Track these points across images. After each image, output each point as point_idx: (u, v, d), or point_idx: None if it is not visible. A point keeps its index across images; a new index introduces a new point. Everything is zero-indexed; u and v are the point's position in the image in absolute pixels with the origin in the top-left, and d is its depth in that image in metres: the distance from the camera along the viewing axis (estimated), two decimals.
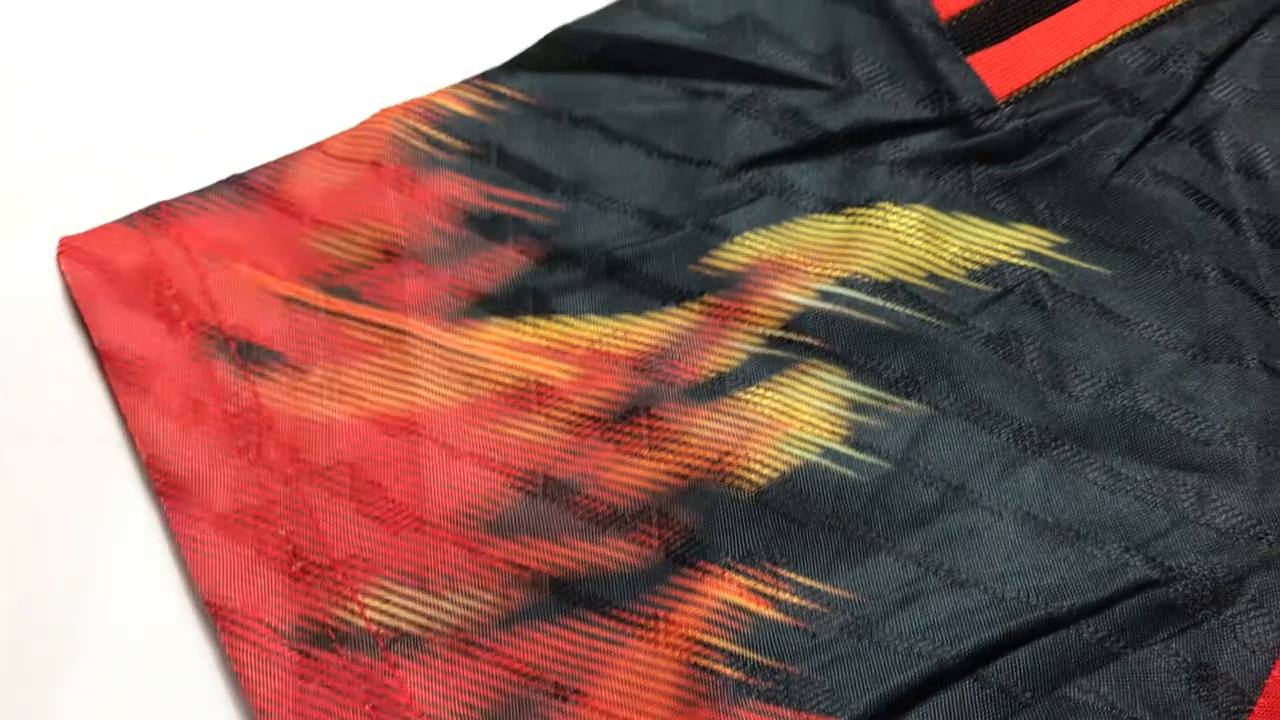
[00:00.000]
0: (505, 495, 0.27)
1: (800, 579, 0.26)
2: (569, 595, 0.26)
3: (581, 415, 0.28)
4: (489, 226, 0.30)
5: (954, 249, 0.29)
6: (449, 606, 0.26)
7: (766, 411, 0.27)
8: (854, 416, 0.27)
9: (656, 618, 0.25)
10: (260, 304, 0.29)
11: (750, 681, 0.25)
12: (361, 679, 0.25)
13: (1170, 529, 0.26)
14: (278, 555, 0.26)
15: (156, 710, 0.26)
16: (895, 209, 0.29)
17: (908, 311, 0.28)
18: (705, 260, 0.29)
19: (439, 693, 0.25)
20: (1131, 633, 0.25)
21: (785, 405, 0.27)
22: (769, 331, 0.28)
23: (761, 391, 0.27)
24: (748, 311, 0.28)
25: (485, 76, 0.31)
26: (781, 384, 0.28)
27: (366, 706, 0.25)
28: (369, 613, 0.26)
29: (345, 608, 0.26)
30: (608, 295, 0.29)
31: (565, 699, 0.25)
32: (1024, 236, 0.29)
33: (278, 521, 0.27)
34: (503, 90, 0.31)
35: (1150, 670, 0.24)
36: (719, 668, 0.25)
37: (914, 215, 0.29)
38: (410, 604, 0.26)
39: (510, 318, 0.29)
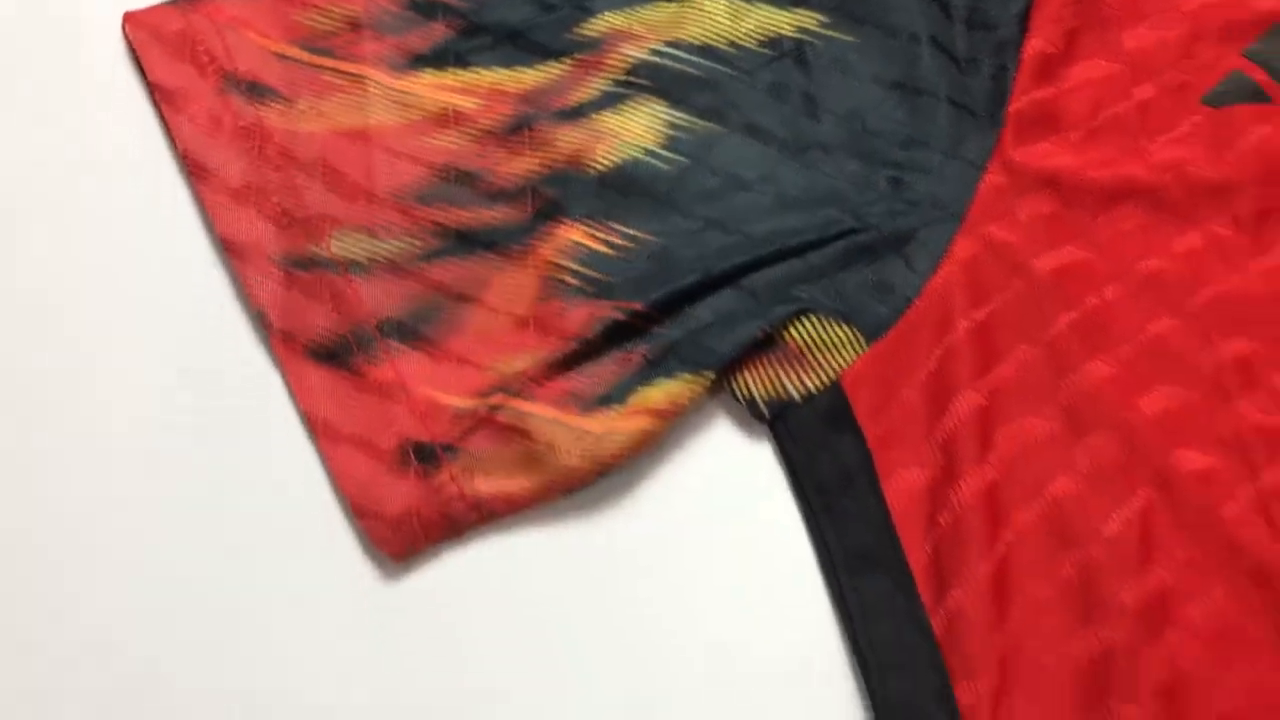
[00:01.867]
0: (429, 180, 0.39)
1: (622, 228, 0.38)
2: (470, 240, 0.38)
3: (484, 131, 0.40)
4: (425, 8, 0.42)
5: (749, 25, 0.41)
6: (387, 246, 0.38)
7: (611, 127, 0.40)
8: (669, 131, 0.40)
9: (526, 250, 0.38)
10: (263, 58, 0.41)
11: (584, 287, 0.37)
12: (327, 287, 0.38)
13: (874, 201, 0.38)
14: (272, 213, 0.39)
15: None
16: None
17: (713, 65, 0.40)
18: (576, 30, 0.41)
19: (379, 298, 0.38)
20: (839, 261, 0.37)
21: (623, 123, 0.40)
22: (617, 77, 0.40)
23: (609, 115, 0.40)
24: (603, 64, 0.41)
25: None
26: (622, 110, 0.40)
27: (329, 305, 0.38)
28: (333, 248, 0.38)
29: (317, 245, 0.38)
30: (507, 54, 0.41)
31: (465, 301, 0.38)
32: (799, 17, 0.41)
33: (273, 193, 0.39)
34: None
35: (848, 283, 0.37)
36: (565, 278, 0.37)
37: (723, 3, 0.41)
38: (361, 244, 0.38)
39: (437, 69, 0.41)
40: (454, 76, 0.41)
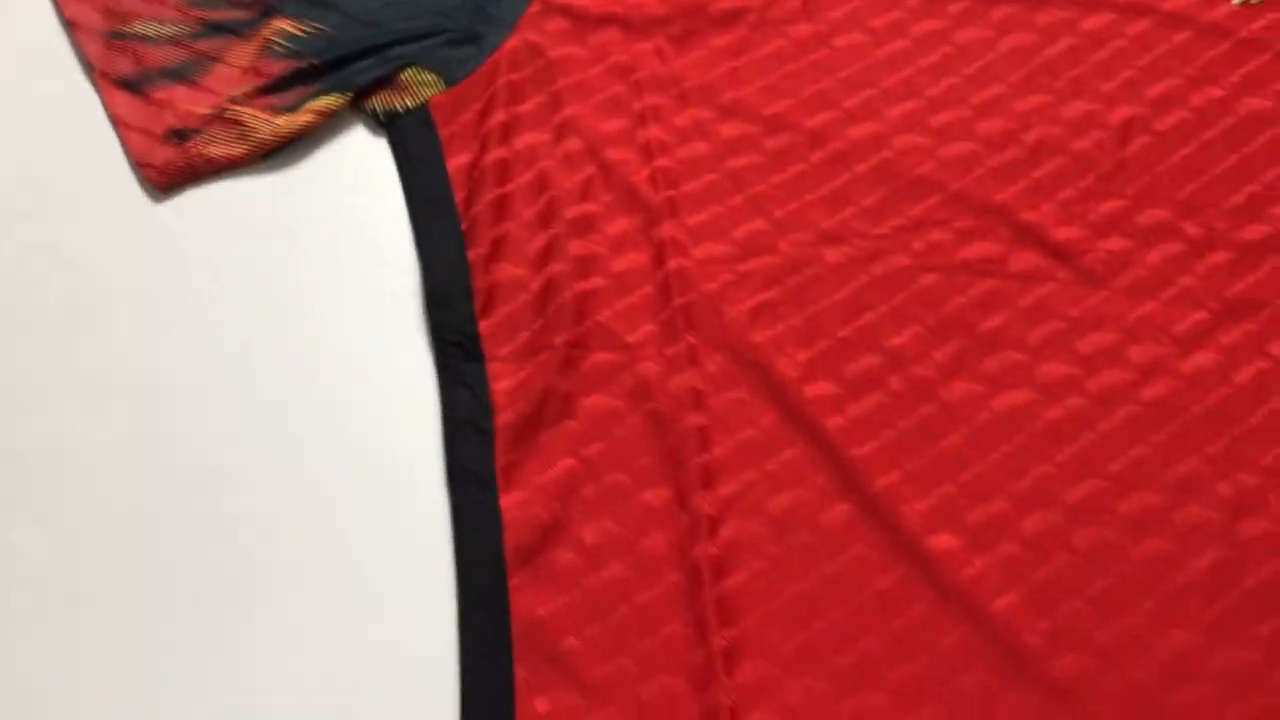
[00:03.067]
0: None
1: (312, 22, 0.64)
2: (219, 27, 0.64)
3: None
4: None
5: None
6: (169, 30, 0.64)
7: None
8: None
9: (253, 33, 0.64)
10: None
11: (285, 52, 0.63)
12: (130, 50, 0.63)
13: (465, 13, 0.65)
14: (99, 6, 0.64)
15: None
16: None
17: None
18: None
19: (161, 56, 0.63)
20: (440, 42, 0.64)
21: None
22: None
23: None
24: None
25: None
26: None
27: (130, 58, 0.63)
28: (136, 28, 0.64)
29: (126, 26, 0.64)
30: None
31: (213, 60, 0.63)
32: None
33: None
34: None
35: (441, 54, 0.63)
36: (274, 48, 0.63)
37: None
38: (152, 27, 0.64)
39: None
40: None
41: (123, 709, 0.47)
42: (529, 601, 0.49)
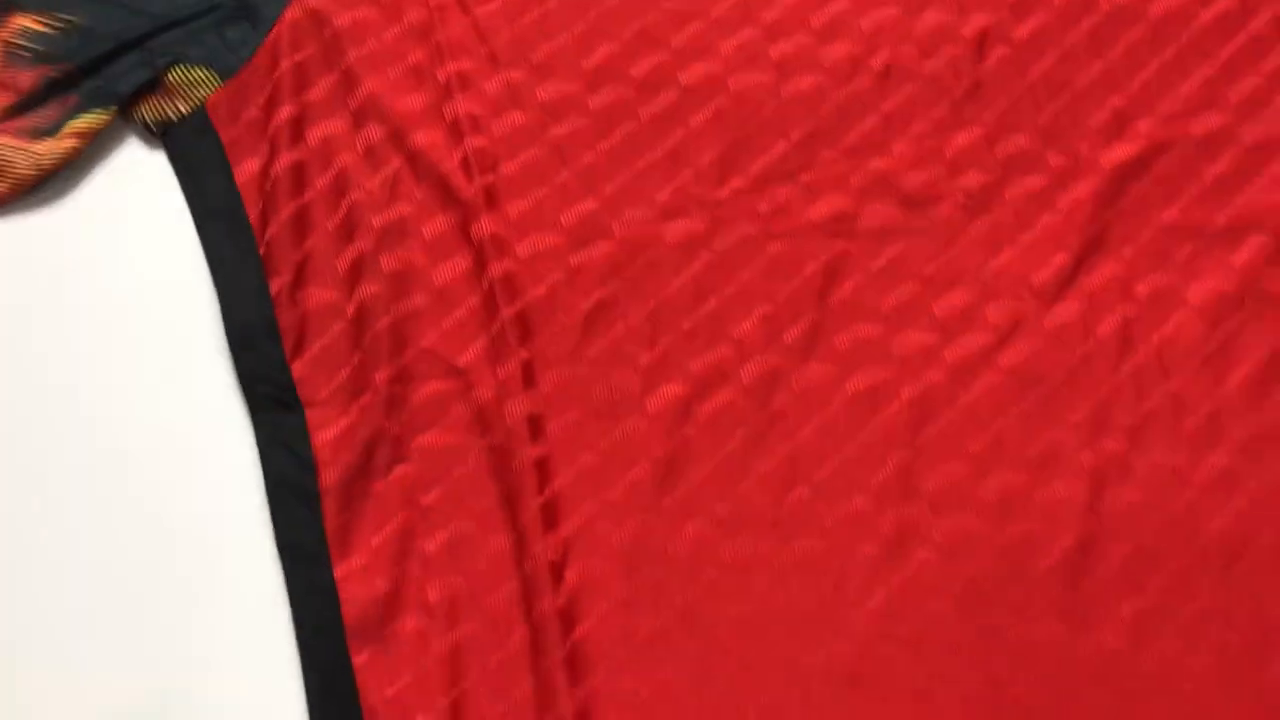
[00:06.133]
0: None
1: (60, 15, 0.56)
2: None
3: None
4: None
5: None
6: None
7: None
8: None
9: None
10: None
11: (33, 56, 0.55)
12: None
13: None
14: None
15: None
16: None
17: None
18: None
19: None
20: (206, 26, 0.56)
21: None
22: None
23: None
24: None
25: None
26: None
27: None
28: None
29: None
30: None
31: None
32: None
33: None
34: None
35: (211, 42, 0.56)
36: (20, 52, 0.55)
37: None
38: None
39: None
40: None
41: None
42: (377, 683, 0.47)
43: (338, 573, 0.49)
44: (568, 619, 0.48)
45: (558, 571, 0.49)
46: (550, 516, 0.49)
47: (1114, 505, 0.50)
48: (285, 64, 0.56)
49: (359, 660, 0.48)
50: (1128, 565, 0.49)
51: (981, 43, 0.57)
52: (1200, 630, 0.47)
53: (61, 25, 0.56)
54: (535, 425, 0.51)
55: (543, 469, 0.50)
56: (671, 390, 0.52)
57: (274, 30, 0.56)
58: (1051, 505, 0.50)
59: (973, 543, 0.50)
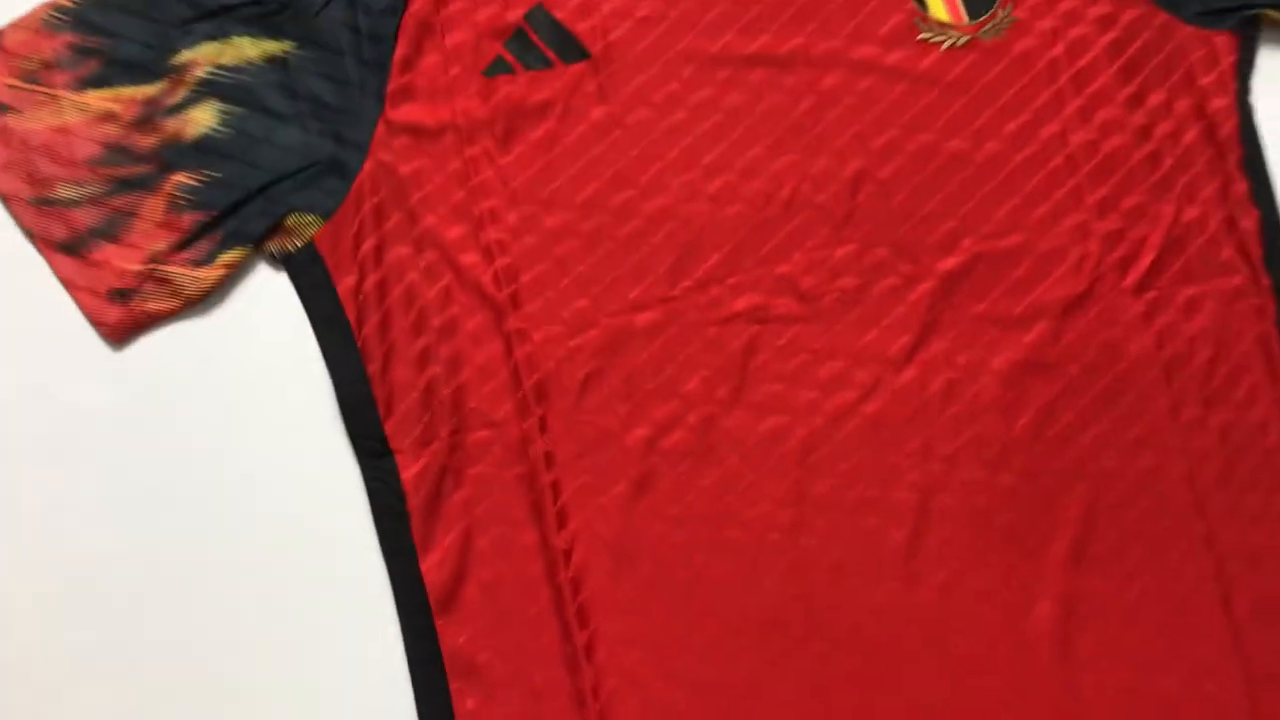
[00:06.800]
0: (102, 152, 0.79)
1: (205, 171, 0.78)
2: (129, 184, 0.78)
3: (127, 122, 0.79)
4: (82, 50, 0.80)
5: (256, 52, 0.81)
6: (86, 190, 0.78)
7: (193, 116, 0.79)
8: (223, 116, 0.79)
9: (158, 187, 0.78)
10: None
11: (189, 204, 0.78)
12: (59, 215, 0.78)
13: (325, 145, 0.80)
14: (23, 176, 0.78)
15: None
16: None
17: (237, 76, 0.80)
18: (168, 62, 0.80)
19: (86, 218, 0.78)
20: (308, 179, 0.79)
21: (199, 114, 0.79)
22: (192, 88, 0.79)
23: (191, 109, 0.79)
24: (184, 80, 0.79)
25: None
26: (198, 105, 0.80)
27: (61, 223, 0.78)
28: (59, 192, 0.78)
29: (50, 192, 0.78)
30: (134, 76, 0.79)
31: (130, 215, 0.78)
32: (281, 45, 0.81)
33: (20, 166, 0.78)
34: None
35: (313, 191, 0.79)
36: (179, 201, 0.78)
37: (247, 40, 0.80)
38: (72, 190, 0.78)
39: (97, 88, 0.79)
40: (108, 91, 0.79)
41: None
42: (453, 634, 0.74)
43: (423, 566, 0.75)
44: (575, 586, 0.74)
45: (567, 556, 0.74)
46: (561, 519, 0.75)
47: (936, 506, 0.76)
48: (367, 206, 0.79)
49: (440, 623, 0.74)
50: (942, 548, 0.76)
51: (856, 181, 0.80)
52: (986, 588, 0.72)
53: (207, 179, 0.78)
54: (549, 458, 0.76)
55: (555, 488, 0.75)
56: (641, 431, 0.77)
57: (357, 180, 0.79)
58: (894, 506, 0.76)
59: (840, 531, 0.76)
